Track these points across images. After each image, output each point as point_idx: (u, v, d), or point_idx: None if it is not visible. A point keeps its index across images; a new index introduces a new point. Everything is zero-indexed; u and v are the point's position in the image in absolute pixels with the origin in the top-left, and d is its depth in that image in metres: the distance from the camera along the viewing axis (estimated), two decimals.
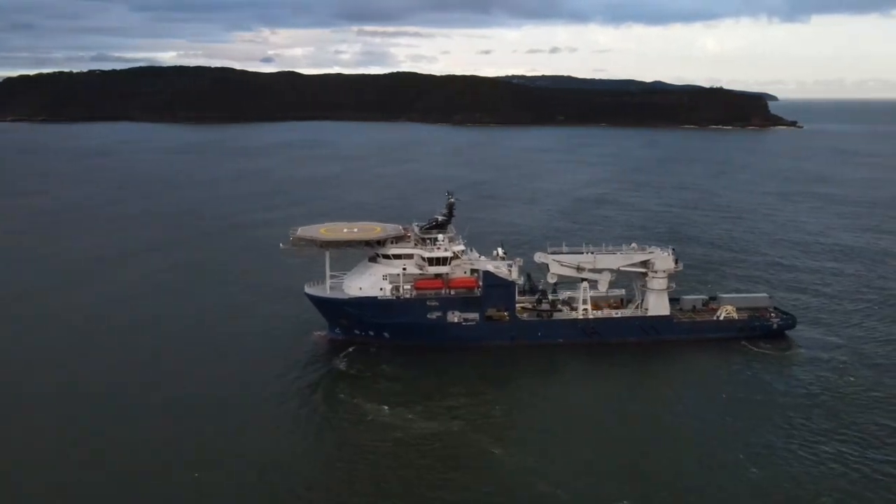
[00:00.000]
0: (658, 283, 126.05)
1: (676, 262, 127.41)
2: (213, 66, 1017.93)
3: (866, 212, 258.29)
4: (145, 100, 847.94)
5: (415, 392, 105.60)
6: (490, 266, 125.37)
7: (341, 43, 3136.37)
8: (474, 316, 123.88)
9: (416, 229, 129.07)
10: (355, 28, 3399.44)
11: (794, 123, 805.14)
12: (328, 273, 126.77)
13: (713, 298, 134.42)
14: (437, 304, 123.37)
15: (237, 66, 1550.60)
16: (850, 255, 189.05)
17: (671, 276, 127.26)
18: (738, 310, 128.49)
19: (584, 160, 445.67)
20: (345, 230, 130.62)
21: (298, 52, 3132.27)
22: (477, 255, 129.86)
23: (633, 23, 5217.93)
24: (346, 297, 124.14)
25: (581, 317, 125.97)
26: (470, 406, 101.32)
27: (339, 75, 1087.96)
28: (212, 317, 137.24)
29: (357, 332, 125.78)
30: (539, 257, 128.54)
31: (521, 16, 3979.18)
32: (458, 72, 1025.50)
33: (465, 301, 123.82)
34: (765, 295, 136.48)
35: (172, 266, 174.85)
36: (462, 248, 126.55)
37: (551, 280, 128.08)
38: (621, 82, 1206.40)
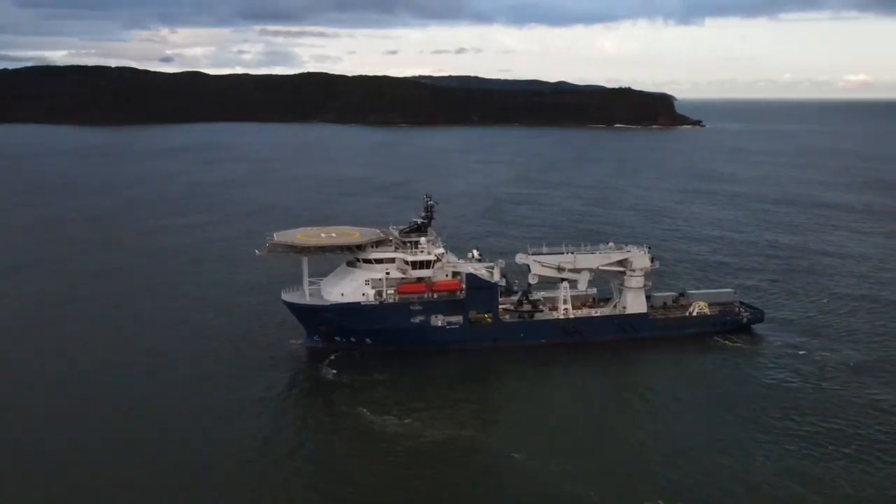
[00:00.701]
0: (635, 281, 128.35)
1: (652, 261, 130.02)
2: (110, 65, 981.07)
3: (774, 208, 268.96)
4: (42, 101, 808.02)
5: (415, 398, 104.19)
6: (471, 268, 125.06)
7: (243, 42, 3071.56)
8: (457, 319, 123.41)
9: (396, 233, 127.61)
10: (258, 27, 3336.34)
11: (698, 122, 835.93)
12: (306, 279, 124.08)
13: (682, 295, 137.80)
14: (420, 308, 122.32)
15: (136, 65, 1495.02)
16: (777, 248, 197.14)
17: (647, 275, 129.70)
18: (710, 305, 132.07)
19: (499, 160, 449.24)
20: (322, 235, 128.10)
21: (199, 51, 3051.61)
22: (455, 257, 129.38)
23: (536, 24, 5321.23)
24: (328, 303, 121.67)
25: (562, 317, 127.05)
26: (474, 410, 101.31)
27: (245, 75, 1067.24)
28: (157, 331, 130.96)
29: (338, 339, 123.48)
30: (520, 258, 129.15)
31: (425, 16, 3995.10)
32: (365, 72, 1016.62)
33: (448, 304, 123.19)
34: (730, 290, 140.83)
35: (79, 276, 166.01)
36: (442, 251, 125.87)
37: (532, 281, 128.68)
38: (527, 82, 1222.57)
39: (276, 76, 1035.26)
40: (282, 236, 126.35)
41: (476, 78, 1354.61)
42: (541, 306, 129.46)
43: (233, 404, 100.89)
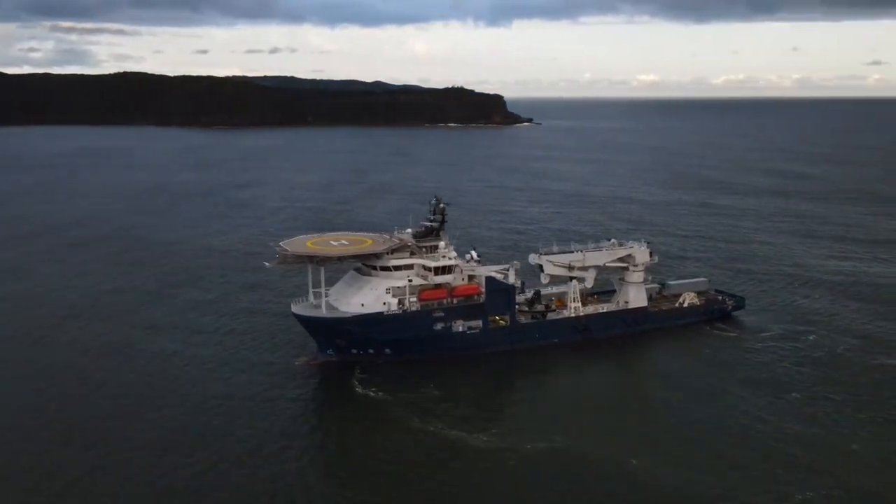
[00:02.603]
0: (637, 276, 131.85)
1: (651, 255, 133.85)
2: None
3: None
4: None
5: (470, 407, 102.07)
6: (489, 271, 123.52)
7: (31, 39, 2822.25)
8: (477, 323, 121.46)
9: (409, 237, 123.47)
10: (47, 23, 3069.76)
11: (530, 120, 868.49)
12: (322, 290, 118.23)
13: (664, 286, 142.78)
14: (442, 314, 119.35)
15: None
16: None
17: (647, 269, 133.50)
18: (698, 295, 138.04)
19: (321, 162, 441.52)
20: (333, 243, 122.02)
21: None
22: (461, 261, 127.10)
23: (347, 24, 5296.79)
24: (349, 314, 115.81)
25: (573, 315, 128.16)
26: (548, 414, 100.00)
27: (46, 75, 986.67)
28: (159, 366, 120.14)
29: (354, 351, 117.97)
30: (533, 259, 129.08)
31: (234, 15, 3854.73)
32: (171, 72, 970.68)
33: (469, 309, 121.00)
34: (705, 279, 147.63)
35: None
36: (455, 254, 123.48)
37: (545, 281, 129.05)
38: (344, 82, 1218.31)
39: (83, 76, 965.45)
40: (293, 245, 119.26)
41: (292, 78, 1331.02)
42: (552, 306, 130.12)
43: (280, 437, 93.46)
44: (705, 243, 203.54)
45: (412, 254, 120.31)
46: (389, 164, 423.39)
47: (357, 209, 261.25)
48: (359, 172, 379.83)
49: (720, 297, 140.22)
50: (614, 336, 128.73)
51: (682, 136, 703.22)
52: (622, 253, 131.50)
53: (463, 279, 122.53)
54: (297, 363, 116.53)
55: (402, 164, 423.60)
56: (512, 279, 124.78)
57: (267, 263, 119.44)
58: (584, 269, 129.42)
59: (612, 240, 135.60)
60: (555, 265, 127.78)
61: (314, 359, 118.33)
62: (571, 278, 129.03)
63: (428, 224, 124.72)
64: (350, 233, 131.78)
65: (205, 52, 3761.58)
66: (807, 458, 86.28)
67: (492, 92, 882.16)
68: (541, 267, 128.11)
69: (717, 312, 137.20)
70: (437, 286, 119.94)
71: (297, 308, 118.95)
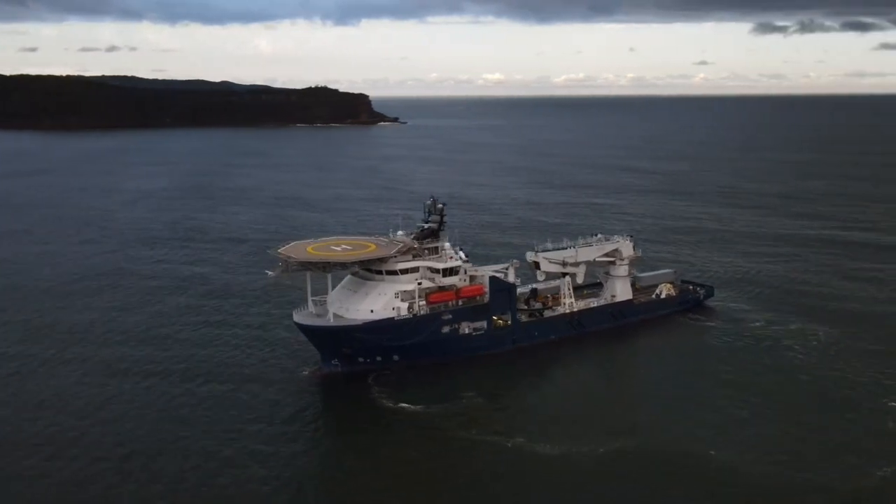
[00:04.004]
0: (623, 269, 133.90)
1: (635, 249, 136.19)
2: None
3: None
4: None
5: (509, 411, 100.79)
6: (490, 271, 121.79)
7: None
8: (482, 324, 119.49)
9: (409, 240, 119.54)
10: None
11: (396, 119, 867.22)
12: (320, 298, 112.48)
13: (636, 279, 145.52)
14: (450, 316, 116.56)
15: None
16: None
17: (632, 262, 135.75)
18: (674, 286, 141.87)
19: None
20: (334, 248, 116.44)
21: None
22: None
23: (189, 21, 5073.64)
24: (358, 322, 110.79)
25: (568, 311, 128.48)
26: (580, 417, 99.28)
27: None
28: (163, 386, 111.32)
29: (361, 359, 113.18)
30: (530, 256, 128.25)
31: (64, 10, 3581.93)
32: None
33: (474, 310, 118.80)
34: (671, 270, 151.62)
35: None
36: (462, 254, 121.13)
37: (541, 278, 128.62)
38: (190, 82, 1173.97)
39: None
40: (294, 251, 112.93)
41: (133, 78, 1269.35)
42: (549, 303, 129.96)
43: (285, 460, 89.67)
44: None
45: (415, 256, 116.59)
46: (246, 166, 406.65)
47: (216, 219, 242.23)
48: (215, 175, 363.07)
49: (691, 287, 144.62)
50: (603, 329, 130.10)
51: (534, 134, 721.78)
52: (610, 247, 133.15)
53: (464, 280, 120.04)
54: (305, 373, 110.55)
55: (260, 166, 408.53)
56: (511, 278, 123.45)
57: (269, 272, 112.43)
58: (576, 264, 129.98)
59: (599, 235, 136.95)
60: (550, 262, 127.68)
61: (319, 370, 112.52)
62: (564, 274, 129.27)
63: (427, 225, 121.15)
64: (346, 237, 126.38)
65: (33, 49, 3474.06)
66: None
67: (354, 91, 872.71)
68: (537, 264, 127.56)
69: (691, 302, 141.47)
70: (444, 288, 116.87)
71: (299, 317, 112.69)
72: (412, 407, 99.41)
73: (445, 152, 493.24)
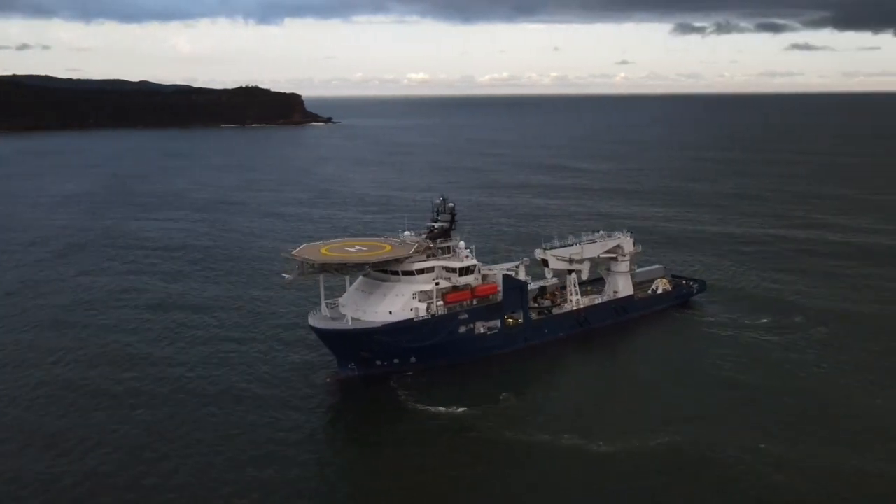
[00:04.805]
0: (624, 265, 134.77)
1: (635, 244, 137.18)
2: None
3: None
4: None
5: (550, 409, 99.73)
6: (503, 270, 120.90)
7: None
8: (495, 324, 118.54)
9: (422, 239, 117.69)
10: None
11: (329, 120, 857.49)
12: (342, 300, 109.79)
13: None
14: (466, 316, 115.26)
15: None
16: None
17: (632, 258, 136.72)
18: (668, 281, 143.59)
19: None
20: (347, 249, 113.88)
21: None
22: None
23: (105, 19, 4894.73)
24: (378, 324, 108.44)
25: (575, 308, 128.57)
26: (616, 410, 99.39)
27: None
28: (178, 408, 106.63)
29: (379, 362, 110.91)
30: (539, 254, 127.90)
31: None
32: None
33: (488, 309, 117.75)
34: (660, 266, 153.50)
35: None
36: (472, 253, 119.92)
37: (549, 275, 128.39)
38: (108, 82, 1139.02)
39: None
40: (309, 253, 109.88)
41: (48, 77, 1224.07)
42: (557, 300, 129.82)
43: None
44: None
45: (429, 256, 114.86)
46: (173, 169, 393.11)
47: (149, 226, 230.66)
48: (144, 178, 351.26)
49: (684, 282, 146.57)
50: (607, 326, 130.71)
51: (466, 133, 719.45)
52: (612, 243, 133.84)
53: (478, 279, 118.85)
54: (328, 380, 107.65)
55: (190, 168, 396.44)
56: (522, 276, 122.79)
57: (286, 275, 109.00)
58: (581, 261, 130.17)
59: (601, 231, 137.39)
60: (558, 259, 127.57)
61: (336, 375, 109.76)
62: (570, 271, 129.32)
63: (437, 225, 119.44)
64: (357, 238, 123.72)
65: None
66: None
67: (283, 91, 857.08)
68: (545, 262, 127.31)
69: (685, 297, 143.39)
70: (459, 288, 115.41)
71: (315, 321, 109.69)
72: (448, 410, 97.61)
73: (385, 154, 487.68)
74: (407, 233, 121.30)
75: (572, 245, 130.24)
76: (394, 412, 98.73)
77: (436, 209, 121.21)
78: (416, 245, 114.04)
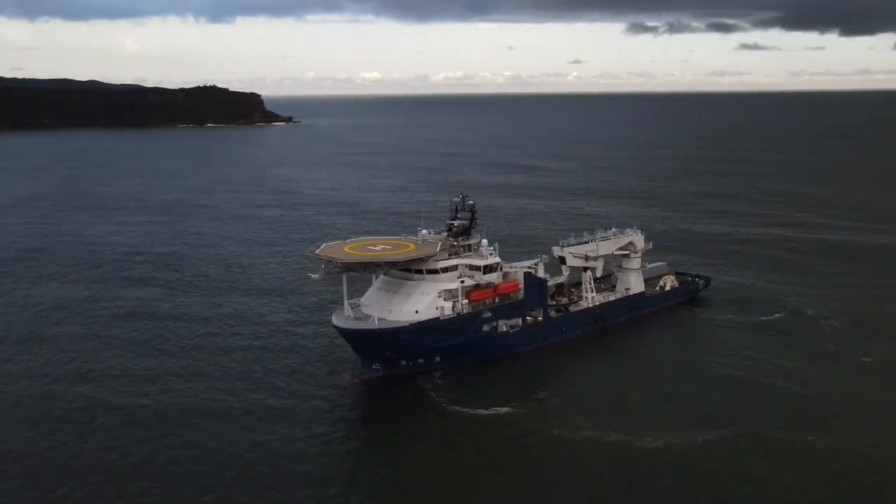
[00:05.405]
0: (636, 262, 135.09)
1: (646, 241, 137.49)
2: None
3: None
4: None
5: (594, 406, 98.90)
6: (523, 267, 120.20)
7: None
8: (517, 322, 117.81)
9: (443, 237, 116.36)
10: None
11: (289, 119, 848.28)
12: (363, 299, 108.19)
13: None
14: (490, 315, 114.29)
15: None
16: None
17: (644, 255, 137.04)
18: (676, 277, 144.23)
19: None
20: (371, 247, 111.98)
21: None
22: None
23: (50, 17, 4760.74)
24: (404, 323, 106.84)
25: (591, 305, 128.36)
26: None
27: None
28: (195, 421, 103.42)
29: (404, 362, 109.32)
30: (556, 251, 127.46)
31: None
32: None
33: (510, 307, 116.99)
34: (664, 263, 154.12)
35: None
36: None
37: (566, 273, 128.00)
38: (55, 81, 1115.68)
39: None
40: (331, 253, 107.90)
41: None
42: (574, 297, 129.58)
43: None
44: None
45: (451, 254, 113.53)
46: (133, 171, 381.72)
47: (107, 231, 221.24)
48: (98, 181, 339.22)
49: (689, 278, 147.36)
50: (620, 323, 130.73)
51: (425, 133, 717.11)
52: (626, 240, 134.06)
53: (499, 277, 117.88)
54: (355, 380, 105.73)
55: (145, 171, 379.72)
56: (541, 273, 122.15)
57: (313, 275, 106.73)
58: (596, 258, 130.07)
59: (613, 228, 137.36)
60: (574, 256, 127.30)
61: (360, 375, 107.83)
62: (586, 268, 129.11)
63: (457, 223, 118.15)
64: (380, 237, 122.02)
65: None
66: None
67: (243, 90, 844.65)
68: (563, 259, 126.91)
69: (692, 293, 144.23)
70: (481, 286, 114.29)
71: (339, 321, 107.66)
72: (488, 411, 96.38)
73: (351, 155, 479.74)
74: (424, 231, 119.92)
75: (587, 242, 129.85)
76: (431, 413, 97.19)
77: (455, 207, 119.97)
78: (441, 243, 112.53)
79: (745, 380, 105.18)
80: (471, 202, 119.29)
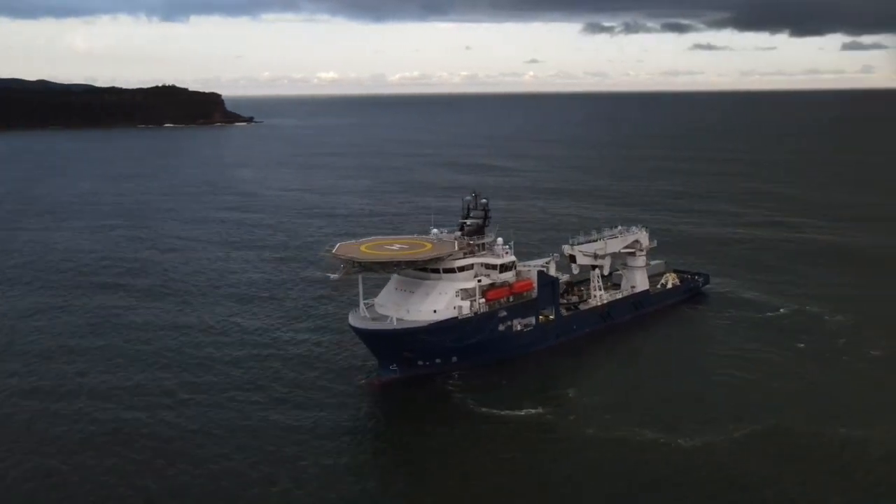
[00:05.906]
0: (641, 260, 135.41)
1: (650, 239, 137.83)
2: None
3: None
4: None
5: (619, 405, 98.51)
6: (536, 266, 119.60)
7: None
8: (530, 320, 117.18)
9: (458, 236, 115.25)
10: None
11: (250, 119, 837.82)
12: (378, 299, 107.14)
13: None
14: (505, 314, 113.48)
15: None
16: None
17: (648, 253, 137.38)
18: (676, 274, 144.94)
19: None
20: (388, 247, 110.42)
21: None
22: None
23: None
24: (423, 322, 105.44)
25: (599, 303, 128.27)
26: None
27: None
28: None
29: (421, 363, 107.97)
30: (566, 249, 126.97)
31: None
32: None
33: (524, 306, 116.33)
34: (662, 262, 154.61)
35: None
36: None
37: (575, 271, 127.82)
38: (3, 80, 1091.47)
39: None
40: (348, 253, 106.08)
41: None
42: (584, 296, 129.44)
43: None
44: None
45: (466, 254, 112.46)
46: (90, 173, 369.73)
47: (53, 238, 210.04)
48: (48, 184, 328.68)
49: (689, 276, 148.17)
50: (626, 320, 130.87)
51: (382, 133, 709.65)
52: (632, 238, 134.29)
53: (513, 276, 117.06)
54: (375, 382, 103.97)
55: (104, 174, 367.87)
56: (553, 272, 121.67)
57: (332, 275, 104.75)
58: (604, 256, 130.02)
59: (619, 226, 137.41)
60: (584, 255, 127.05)
61: (378, 377, 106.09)
62: (594, 267, 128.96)
63: (470, 222, 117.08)
64: (395, 236, 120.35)
65: None
66: None
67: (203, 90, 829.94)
68: (573, 258, 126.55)
69: (693, 290, 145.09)
70: (496, 285, 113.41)
71: (356, 321, 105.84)
72: (513, 412, 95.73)
73: (313, 155, 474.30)
74: (435, 230, 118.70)
75: (596, 241, 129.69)
76: (457, 415, 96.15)
77: (467, 206, 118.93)
78: (457, 242, 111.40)
79: (761, 378, 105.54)
80: (483, 200, 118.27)
